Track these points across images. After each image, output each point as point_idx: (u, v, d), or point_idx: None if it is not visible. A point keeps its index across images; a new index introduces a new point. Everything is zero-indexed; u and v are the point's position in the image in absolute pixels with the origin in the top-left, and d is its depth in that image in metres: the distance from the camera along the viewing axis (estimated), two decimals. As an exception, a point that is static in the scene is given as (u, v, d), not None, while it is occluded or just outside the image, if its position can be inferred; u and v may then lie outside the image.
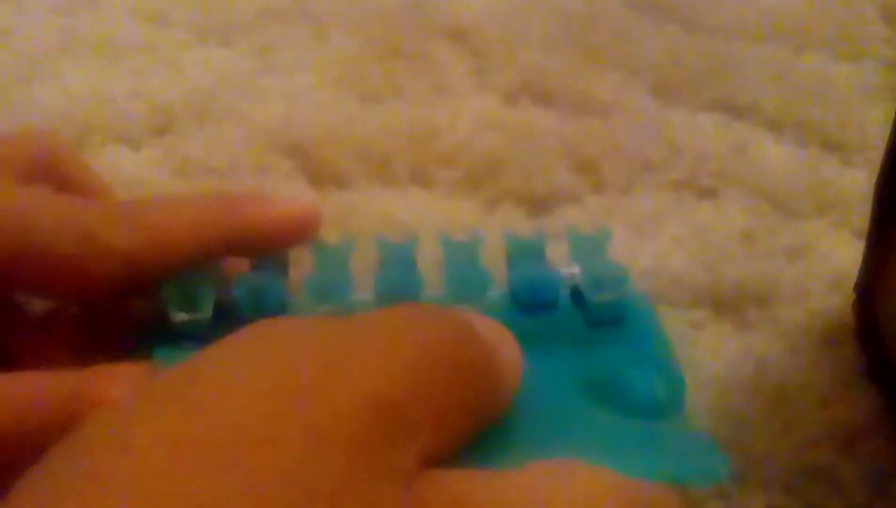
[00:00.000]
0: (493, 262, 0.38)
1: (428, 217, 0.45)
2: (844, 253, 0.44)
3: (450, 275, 0.37)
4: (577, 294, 0.37)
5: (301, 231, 0.38)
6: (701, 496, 0.36)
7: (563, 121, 0.51)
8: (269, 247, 0.38)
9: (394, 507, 0.22)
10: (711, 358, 0.40)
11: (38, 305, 0.38)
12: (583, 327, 0.37)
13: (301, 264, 0.38)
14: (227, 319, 0.36)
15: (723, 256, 0.44)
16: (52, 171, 0.39)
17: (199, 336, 0.35)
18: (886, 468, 0.37)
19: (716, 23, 0.57)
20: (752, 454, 0.37)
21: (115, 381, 0.30)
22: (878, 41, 0.56)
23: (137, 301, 0.38)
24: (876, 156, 0.37)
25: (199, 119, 0.50)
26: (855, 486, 0.37)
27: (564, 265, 0.38)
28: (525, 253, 0.38)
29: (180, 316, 0.36)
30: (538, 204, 0.47)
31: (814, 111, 0.51)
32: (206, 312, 0.36)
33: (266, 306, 0.37)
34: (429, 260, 0.40)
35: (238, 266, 0.38)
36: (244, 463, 0.21)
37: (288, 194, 0.41)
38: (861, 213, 0.44)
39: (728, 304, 0.42)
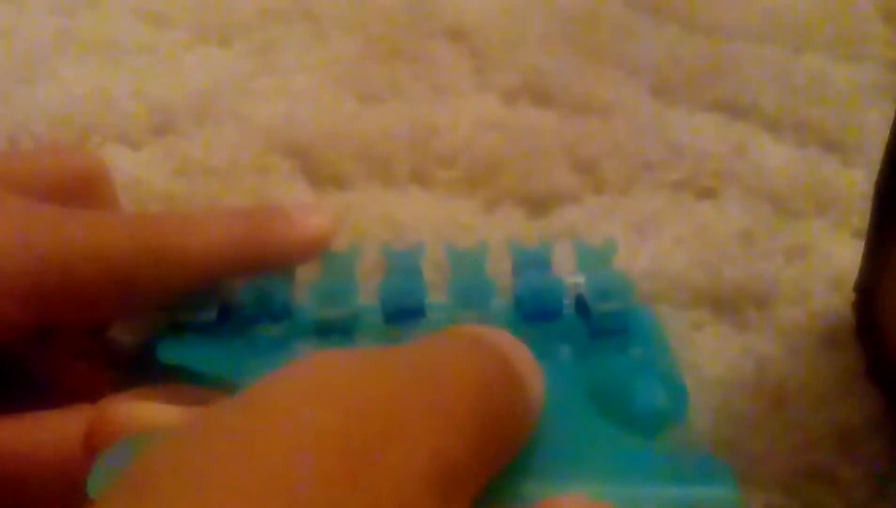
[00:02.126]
0: (498, 269, 0.38)
1: (428, 217, 0.45)
2: (844, 253, 0.44)
3: (454, 283, 0.37)
4: (581, 304, 0.37)
5: (317, 249, 0.38)
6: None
7: (563, 121, 0.51)
8: (285, 265, 0.38)
9: None
10: (711, 358, 0.40)
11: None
12: (586, 336, 0.37)
13: (306, 268, 0.38)
14: (231, 321, 0.37)
15: (722, 256, 0.44)
16: (84, 190, 0.39)
17: (202, 332, 0.36)
18: (886, 468, 0.37)
19: (716, 23, 0.57)
20: (752, 454, 0.37)
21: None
22: (877, 42, 0.56)
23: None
24: (876, 156, 0.37)
25: (198, 119, 0.50)
26: (854, 486, 0.36)
27: (569, 275, 0.38)
28: (530, 262, 0.38)
29: (184, 315, 0.36)
30: (538, 204, 0.47)
31: (813, 111, 0.51)
32: (209, 314, 0.36)
33: (271, 310, 0.37)
34: (433, 266, 0.40)
35: None
36: None
37: (304, 206, 0.40)
38: (861, 213, 0.44)
39: (728, 304, 0.42)
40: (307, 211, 0.39)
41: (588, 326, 0.37)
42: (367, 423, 0.23)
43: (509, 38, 0.56)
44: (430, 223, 0.45)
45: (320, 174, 0.48)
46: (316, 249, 0.38)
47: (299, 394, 0.24)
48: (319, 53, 0.55)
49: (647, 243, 0.45)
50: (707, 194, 0.47)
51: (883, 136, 0.36)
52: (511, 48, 0.55)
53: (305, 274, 0.38)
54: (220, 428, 0.23)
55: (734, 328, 0.42)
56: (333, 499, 0.21)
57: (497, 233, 0.44)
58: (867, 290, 0.40)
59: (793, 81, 0.53)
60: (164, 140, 0.49)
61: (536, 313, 0.37)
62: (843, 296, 0.42)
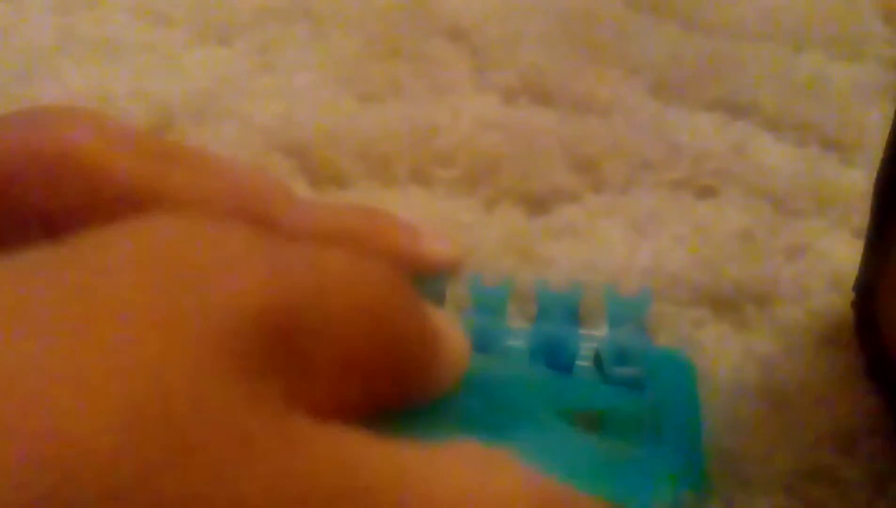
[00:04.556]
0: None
1: (427, 216, 0.45)
2: (844, 252, 0.44)
3: (472, 322, 0.36)
4: (598, 360, 0.37)
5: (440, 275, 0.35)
6: (702, 498, 0.36)
7: (563, 120, 0.51)
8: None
9: (261, 436, 0.19)
10: (710, 357, 0.40)
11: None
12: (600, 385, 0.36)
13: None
14: None
15: (722, 255, 0.44)
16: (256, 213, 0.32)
17: None
18: (886, 467, 0.37)
19: (715, 22, 0.57)
20: (752, 454, 0.37)
21: None
22: (877, 41, 0.56)
23: None
24: (875, 155, 0.37)
25: (198, 119, 0.50)
26: (855, 486, 0.37)
27: (591, 327, 0.37)
28: (555, 307, 0.38)
29: None
30: (537, 203, 0.47)
31: (813, 111, 0.51)
32: None
33: None
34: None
35: None
36: (113, 342, 0.19)
37: (430, 229, 0.38)
38: (860, 212, 0.43)
39: (727, 303, 0.42)
40: (435, 234, 0.36)
41: (603, 379, 0.36)
42: (197, 260, 0.21)
43: (509, 37, 0.56)
44: (429, 222, 0.45)
45: (320, 173, 0.48)
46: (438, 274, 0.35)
47: (126, 235, 0.22)
48: (319, 53, 0.55)
49: (647, 241, 0.45)
50: (707, 193, 0.47)
51: (883, 135, 0.37)
52: (511, 47, 0.55)
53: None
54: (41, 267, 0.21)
55: (734, 327, 0.42)
56: (150, 323, 0.19)
57: (497, 232, 0.44)
58: (867, 289, 0.40)
59: (793, 80, 0.54)
60: (163, 140, 0.49)
61: (548, 364, 0.36)
62: (842, 295, 0.42)
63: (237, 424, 0.19)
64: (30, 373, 0.17)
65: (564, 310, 0.37)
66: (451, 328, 0.27)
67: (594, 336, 0.37)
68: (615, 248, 0.44)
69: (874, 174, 0.38)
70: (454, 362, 0.27)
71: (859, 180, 0.47)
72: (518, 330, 0.37)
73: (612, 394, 0.35)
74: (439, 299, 0.35)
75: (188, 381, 0.18)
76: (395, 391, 0.24)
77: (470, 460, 0.22)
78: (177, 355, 0.19)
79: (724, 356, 0.41)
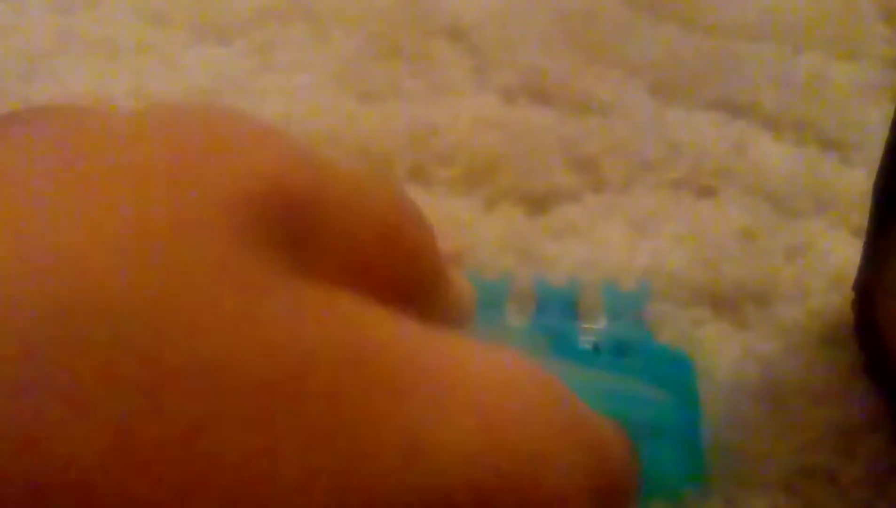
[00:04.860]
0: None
1: (427, 215, 0.45)
2: (843, 252, 0.44)
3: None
4: (597, 351, 0.37)
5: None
6: (701, 496, 0.36)
7: (562, 120, 0.51)
8: None
9: (267, 292, 0.18)
10: (710, 356, 0.40)
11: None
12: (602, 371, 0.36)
13: None
14: None
15: (722, 254, 0.44)
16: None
17: None
18: (886, 466, 0.37)
19: (715, 22, 0.57)
20: (752, 453, 0.37)
21: None
22: (877, 40, 0.56)
23: None
24: (875, 154, 0.37)
25: (198, 118, 0.50)
26: (855, 485, 0.37)
27: (590, 321, 0.37)
28: (554, 301, 0.38)
29: None
30: (537, 203, 0.47)
31: (813, 110, 0.51)
32: None
33: None
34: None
35: None
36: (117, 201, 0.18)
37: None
38: (860, 211, 0.44)
39: (727, 302, 0.42)
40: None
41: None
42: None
43: (508, 37, 0.56)
44: (428, 222, 0.44)
45: (320, 173, 0.47)
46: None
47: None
48: (318, 52, 0.55)
49: (647, 241, 0.45)
50: (706, 192, 0.47)
51: (882, 134, 0.37)
52: (510, 47, 0.55)
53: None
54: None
55: (733, 327, 0.42)
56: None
57: (496, 232, 0.44)
58: (866, 288, 0.40)
59: (792, 79, 0.53)
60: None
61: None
62: (842, 294, 0.42)
63: (245, 277, 0.18)
64: (35, 209, 0.17)
65: (563, 304, 0.37)
66: (457, 273, 0.26)
67: (593, 330, 0.37)
68: (615, 247, 0.44)
69: (874, 173, 0.37)
70: (461, 301, 0.27)
71: (859, 180, 0.47)
72: (516, 327, 0.37)
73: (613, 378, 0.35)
74: None
75: (194, 229, 0.18)
76: (400, 300, 0.22)
77: (486, 348, 0.22)
78: (184, 208, 0.18)
79: (723, 355, 0.41)
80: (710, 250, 0.44)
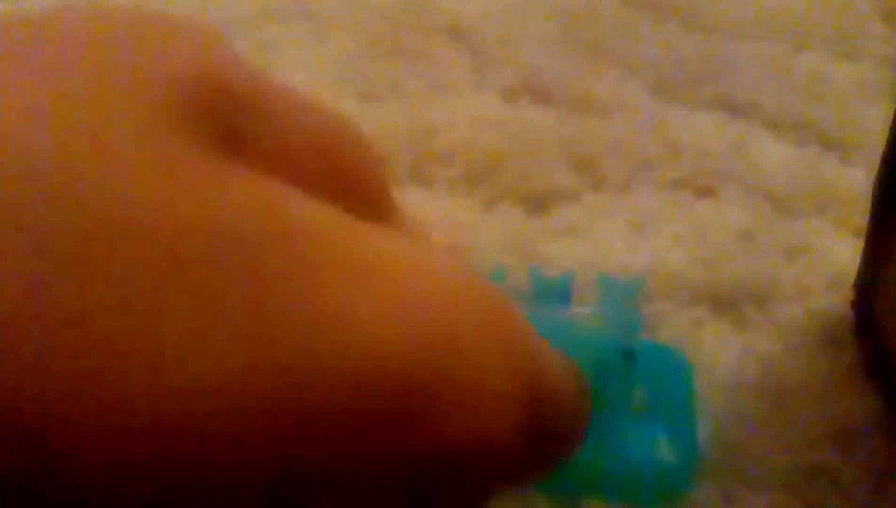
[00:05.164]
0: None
1: (427, 215, 0.45)
2: (843, 251, 0.44)
3: None
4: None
5: None
6: (700, 495, 0.36)
7: (562, 119, 0.51)
8: None
9: (188, 166, 0.18)
10: (710, 356, 0.40)
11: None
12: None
13: None
14: None
15: (722, 254, 0.44)
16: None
17: None
18: (886, 466, 0.37)
19: (715, 21, 0.57)
20: (752, 453, 0.37)
21: None
22: (876, 40, 0.56)
23: None
24: (875, 154, 0.37)
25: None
26: (855, 484, 0.37)
27: (584, 313, 0.37)
28: (548, 292, 0.38)
29: None
30: (537, 202, 0.47)
31: (813, 110, 0.51)
32: None
33: None
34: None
35: None
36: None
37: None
38: (860, 211, 0.43)
39: (727, 302, 0.42)
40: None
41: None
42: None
43: (508, 36, 0.56)
44: (429, 221, 0.45)
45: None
46: None
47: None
48: (318, 52, 0.55)
49: (647, 241, 0.45)
50: (706, 192, 0.47)
51: (882, 134, 0.36)
52: (510, 47, 0.55)
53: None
54: None
55: (733, 327, 0.42)
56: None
57: (496, 231, 0.44)
58: (866, 288, 0.40)
59: (792, 79, 0.53)
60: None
61: None
62: (842, 294, 0.42)
63: (167, 149, 0.17)
64: None
65: (557, 294, 0.37)
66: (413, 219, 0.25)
67: (585, 314, 0.37)
68: (614, 247, 0.44)
69: (874, 173, 0.37)
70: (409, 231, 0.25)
71: (859, 180, 0.47)
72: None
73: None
74: None
75: (118, 99, 0.18)
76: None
77: (418, 242, 0.21)
78: (110, 81, 0.18)
79: (723, 355, 0.41)
80: (710, 249, 0.44)
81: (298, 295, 0.17)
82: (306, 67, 0.54)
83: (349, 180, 0.22)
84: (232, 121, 0.19)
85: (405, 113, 0.50)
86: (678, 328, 0.41)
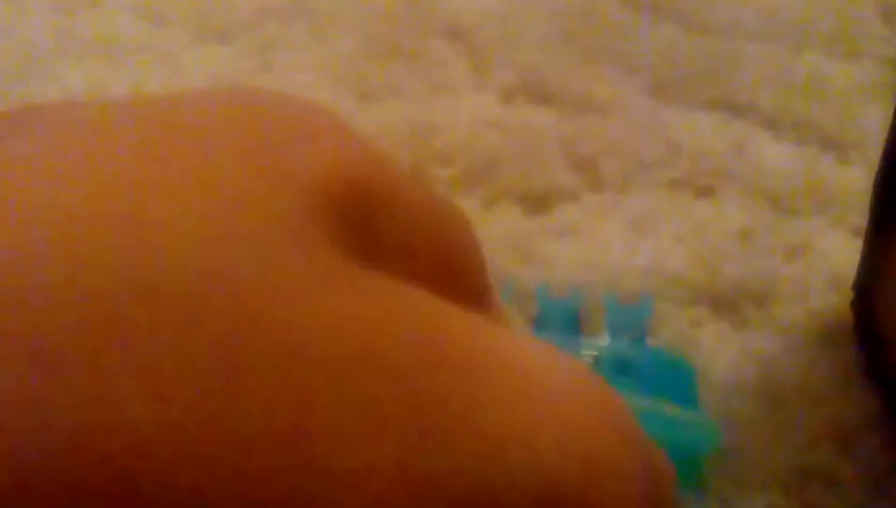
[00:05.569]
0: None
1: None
2: (843, 251, 0.44)
3: None
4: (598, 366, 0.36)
5: None
6: (699, 496, 0.36)
7: (561, 120, 0.51)
8: None
9: (336, 277, 0.18)
10: (709, 357, 0.40)
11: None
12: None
13: None
14: None
15: (721, 254, 0.44)
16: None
17: None
18: (885, 467, 0.37)
19: (714, 21, 0.57)
20: (751, 453, 0.37)
21: None
22: (876, 40, 0.56)
23: None
24: (874, 154, 0.37)
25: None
26: (853, 485, 0.37)
27: (589, 336, 0.37)
28: (554, 312, 0.37)
29: None
30: (536, 202, 0.46)
31: (812, 110, 0.51)
32: None
33: None
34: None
35: None
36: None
37: None
38: (859, 211, 0.43)
39: (726, 303, 0.42)
40: None
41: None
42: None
43: (507, 36, 0.56)
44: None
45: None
46: None
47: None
48: (318, 52, 0.55)
49: (646, 241, 0.45)
50: (705, 192, 0.47)
51: (882, 134, 0.36)
52: (509, 47, 0.55)
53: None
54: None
55: (732, 327, 0.42)
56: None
57: (495, 232, 0.44)
58: (866, 288, 0.40)
59: (791, 79, 0.53)
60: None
61: None
62: (841, 294, 0.42)
63: (320, 258, 0.18)
64: (116, 179, 0.17)
65: (565, 316, 0.37)
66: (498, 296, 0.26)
67: (595, 344, 0.37)
68: (614, 247, 0.44)
69: (873, 173, 0.37)
70: (502, 322, 0.26)
71: (858, 179, 0.47)
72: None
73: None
74: None
75: (270, 209, 0.18)
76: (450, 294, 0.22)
77: (548, 348, 0.21)
78: (261, 187, 0.18)
79: (722, 355, 0.40)
80: (709, 250, 0.44)
81: (454, 406, 0.17)
82: (305, 67, 0.54)
83: (463, 274, 0.23)
84: (371, 222, 0.19)
85: (404, 113, 0.50)
86: (677, 328, 0.41)
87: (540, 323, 0.37)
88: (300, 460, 0.16)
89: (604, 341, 0.37)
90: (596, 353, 0.36)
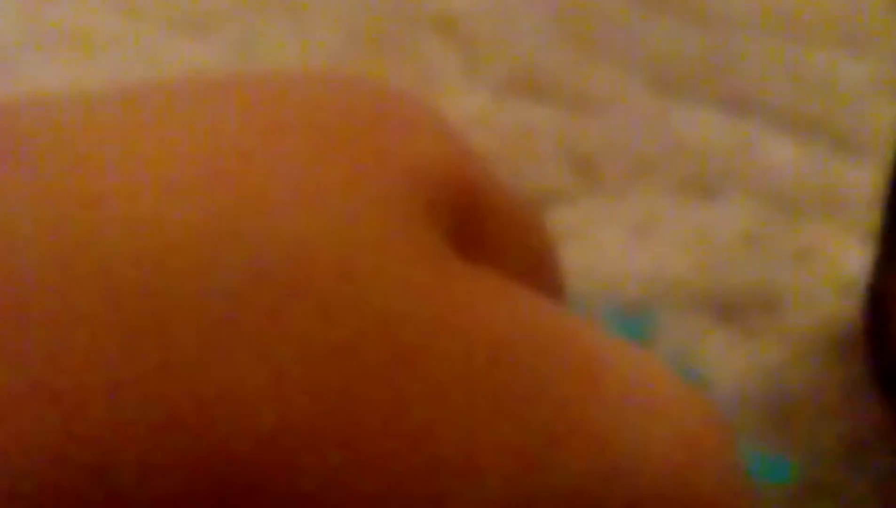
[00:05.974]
0: None
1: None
2: (854, 256, 0.44)
3: None
4: None
5: None
6: None
7: (558, 117, 0.50)
8: None
9: (440, 284, 0.18)
10: (714, 366, 0.40)
11: None
12: None
13: None
14: None
15: (726, 259, 0.44)
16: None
17: None
18: (895, 481, 0.37)
19: (719, 14, 0.56)
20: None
21: None
22: (890, 37, 0.56)
23: None
24: (887, 155, 0.37)
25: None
26: (862, 499, 0.36)
27: None
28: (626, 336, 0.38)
29: None
30: (532, 204, 0.46)
31: (823, 108, 0.51)
32: None
33: None
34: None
35: None
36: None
37: None
38: (872, 214, 0.43)
39: (732, 310, 0.42)
40: None
41: None
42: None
43: (501, 28, 0.55)
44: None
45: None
46: None
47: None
48: (300, 46, 0.55)
49: (647, 245, 0.45)
50: (710, 194, 0.47)
51: (894, 134, 0.37)
52: (502, 40, 0.55)
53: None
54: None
55: (739, 335, 0.42)
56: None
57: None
58: (877, 294, 0.39)
59: (801, 76, 0.53)
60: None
61: None
62: (852, 301, 0.42)
63: (434, 257, 0.18)
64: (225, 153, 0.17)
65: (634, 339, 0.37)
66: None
67: None
68: (613, 252, 0.44)
69: (886, 175, 0.37)
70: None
71: (871, 181, 0.46)
72: None
73: None
74: None
75: (381, 199, 0.18)
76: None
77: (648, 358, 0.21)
78: (369, 175, 0.18)
79: (728, 364, 0.40)
80: (714, 255, 0.44)
81: (577, 409, 0.18)
82: (286, 63, 0.54)
83: (548, 279, 0.23)
84: (476, 219, 0.20)
85: (392, 110, 0.50)
86: (681, 337, 0.41)
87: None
88: (428, 459, 0.16)
89: None
90: None
